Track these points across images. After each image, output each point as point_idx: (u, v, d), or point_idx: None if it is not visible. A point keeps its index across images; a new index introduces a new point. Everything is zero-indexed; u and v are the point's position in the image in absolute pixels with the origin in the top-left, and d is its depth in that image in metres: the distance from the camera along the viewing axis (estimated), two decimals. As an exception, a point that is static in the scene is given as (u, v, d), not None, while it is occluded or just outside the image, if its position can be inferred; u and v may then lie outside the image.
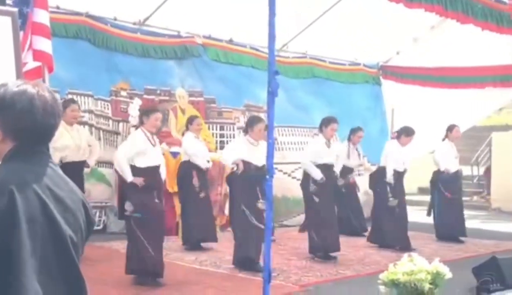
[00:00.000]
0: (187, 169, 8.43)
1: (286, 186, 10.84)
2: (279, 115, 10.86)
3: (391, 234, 8.79)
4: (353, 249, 8.76)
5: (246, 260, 7.08)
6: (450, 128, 9.89)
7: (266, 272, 4.93)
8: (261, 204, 7.03)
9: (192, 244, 8.39)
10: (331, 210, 8.10)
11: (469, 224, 10.59)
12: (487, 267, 6.21)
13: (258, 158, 7.12)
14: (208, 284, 6.40)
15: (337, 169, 8.86)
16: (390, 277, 4.70)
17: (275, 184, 8.21)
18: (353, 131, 10.31)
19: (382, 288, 4.75)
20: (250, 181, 7.15)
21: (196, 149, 8.49)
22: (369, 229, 9.69)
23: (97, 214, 9.25)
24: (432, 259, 4.73)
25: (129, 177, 6.41)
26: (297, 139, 11.65)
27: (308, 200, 8.08)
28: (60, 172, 1.99)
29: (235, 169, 7.47)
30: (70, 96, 8.84)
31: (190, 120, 8.76)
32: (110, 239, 8.38)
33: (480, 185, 17.49)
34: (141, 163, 6.46)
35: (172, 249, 8.23)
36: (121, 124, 9.50)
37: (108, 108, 9.39)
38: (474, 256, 8.23)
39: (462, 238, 9.65)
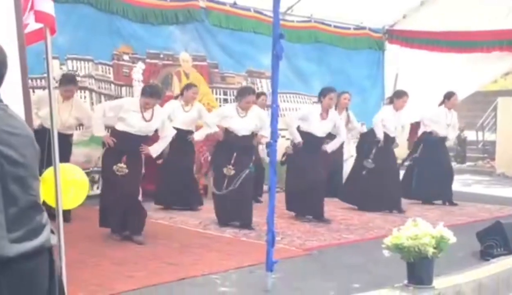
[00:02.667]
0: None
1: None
2: (281, 81, 10.90)
3: (362, 195, 8.96)
4: (356, 214, 8.77)
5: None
6: (448, 96, 9.84)
7: (269, 235, 4.95)
8: (226, 170, 7.38)
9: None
10: (305, 175, 8.10)
11: (473, 189, 10.64)
12: (491, 232, 6.23)
13: (242, 128, 7.57)
14: (212, 248, 6.42)
15: (343, 138, 8.77)
16: (394, 242, 4.71)
17: (278, 149, 8.29)
18: (338, 95, 10.20)
19: (386, 252, 4.77)
20: (226, 148, 7.58)
21: (176, 113, 8.51)
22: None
23: (98, 178, 9.26)
24: (435, 224, 4.74)
25: (98, 132, 6.88)
26: (298, 106, 11.59)
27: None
28: (11, 111, 1.99)
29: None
30: (69, 61, 8.77)
31: (187, 87, 8.77)
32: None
33: (485, 150, 17.47)
34: (120, 127, 6.71)
35: (175, 213, 8.32)
36: (124, 88, 9.45)
37: (110, 73, 9.32)
38: (478, 220, 8.24)
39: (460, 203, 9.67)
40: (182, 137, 8.48)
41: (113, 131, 6.85)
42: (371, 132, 9.30)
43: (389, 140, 9.13)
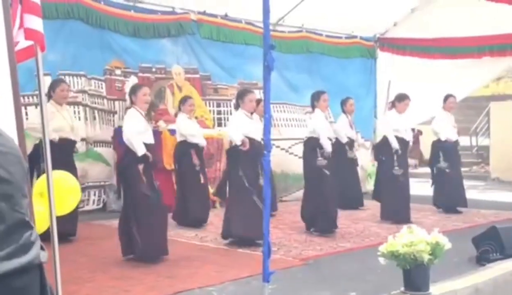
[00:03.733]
0: (185, 149, 8.40)
1: (284, 162, 10.88)
2: (273, 92, 10.93)
3: (392, 206, 8.74)
4: (352, 222, 8.78)
5: (243, 238, 7.03)
6: (445, 99, 9.89)
7: (265, 246, 4.94)
8: (262, 181, 7.02)
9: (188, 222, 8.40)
10: (333, 185, 7.99)
11: (468, 194, 10.60)
12: (487, 237, 6.23)
13: (256, 132, 7.08)
14: (208, 260, 6.42)
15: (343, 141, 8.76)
16: (389, 249, 4.72)
17: (273, 160, 8.24)
18: (344, 101, 10.27)
19: (382, 260, 4.78)
20: (254, 158, 7.00)
21: (192, 128, 8.47)
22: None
23: (96, 193, 9.27)
24: (431, 230, 4.75)
25: (141, 150, 6.29)
26: (291, 116, 11.65)
27: (316, 174, 7.96)
28: None
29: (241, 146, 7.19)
30: (61, 77, 8.76)
31: (183, 100, 8.74)
32: (110, 218, 8.39)
33: (479, 155, 17.52)
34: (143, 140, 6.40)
35: (171, 225, 8.30)
36: (117, 103, 9.47)
37: (102, 88, 9.34)
38: (474, 226, 8.26)
39: (460, 209, 9.66)
40: (200, 150, 8.53)
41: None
42: (384, 142, 9.12)
43: (405, 145, 9.06)
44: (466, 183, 11.20)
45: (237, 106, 7.40)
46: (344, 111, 10.25)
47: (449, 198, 9.70)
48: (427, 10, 11.80)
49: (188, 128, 8.43)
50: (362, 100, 12.50)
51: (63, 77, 8.78)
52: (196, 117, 9.37)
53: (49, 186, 3.75)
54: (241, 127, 7.15)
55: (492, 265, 5.79)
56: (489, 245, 6.12)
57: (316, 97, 8.16)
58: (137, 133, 6.35)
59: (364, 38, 12.96)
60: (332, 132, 8.36)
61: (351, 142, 10.05)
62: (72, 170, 6.52)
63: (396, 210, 8.67)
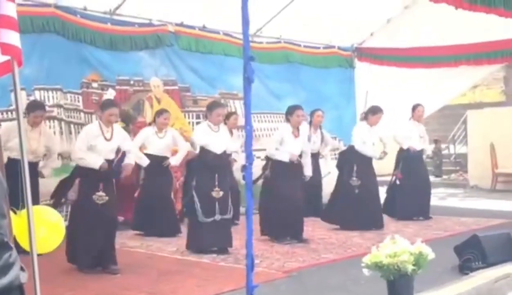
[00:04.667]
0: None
1: (264, 173, 10.82)
2: (254, 102, 10.91)
3: (346, 214, 8.86)
4: (333, 233, 8.76)
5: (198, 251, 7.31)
6: (413, 108, 9.94)
7: (249, 259, 4.88)
8: (216, 192, 7.07)
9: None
10: (288, 195, 8.00)
11: (448, 202, 10.70)
12: (469, 245, 6.23)
13: (217, 145, 7.35)
14: (190, 274, 6.34)
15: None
16: (373, 260, 4.69)
17: (254, 171, 8.23)
18: (312, 113, 10.29)
19: (365, 271, 4.75)
20: (210, 170, 7.29)
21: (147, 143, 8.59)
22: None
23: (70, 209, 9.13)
24: (413, 240, 4.74)
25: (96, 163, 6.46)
26: (272, 125, 11.62)
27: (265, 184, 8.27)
28: None
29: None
30: (36, 92, 8.66)
31: (158, 113, 8.77)
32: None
33: (457, 163, 17.64)
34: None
35: (152, 240, 8.24)
36: (93, 116, 9.35)
37: (79, 101, 9.21)
38: (455, 234, 8.28)
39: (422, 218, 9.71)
40: (158, 164, 8.47)
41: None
42: (350, 150, 9.26)
43: (369, 158, 9.14)
44: (445, 190, 11.32)
45: (206, 117, 7.62)
46: (310, 122, 10.20)
47: (409, 208, 9.69)
48: (403, 20, 11.91)
49: (142, 139, 8.55)
50: (343, 109, 12.53)
51: (38, 91, 8.68)
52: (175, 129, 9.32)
53: (28, 202, 3.67)
54: (199, 137, 7.46)
55: (475, 274, 5.79)
56: (471, 253, 6.12)
57: (290, 111, 8.20)
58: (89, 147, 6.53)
59: (341, 48, 13.02)
60: (299, 148, 8.29)
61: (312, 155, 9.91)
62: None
63: (350, 219, 8.81)
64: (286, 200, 7.93)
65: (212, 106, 7.59)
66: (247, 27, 4.77)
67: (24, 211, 3.73)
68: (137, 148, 8.26)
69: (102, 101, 7.01)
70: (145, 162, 8.28)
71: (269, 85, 11.67)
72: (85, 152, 6.52)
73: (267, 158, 8.42)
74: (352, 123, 12.31)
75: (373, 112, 9.09)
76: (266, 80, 11.53)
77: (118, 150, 6.96)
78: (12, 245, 1.93)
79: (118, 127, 6.90)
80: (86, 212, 6.46)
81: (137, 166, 8.42)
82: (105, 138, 6.54)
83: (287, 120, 8.23)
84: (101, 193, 6.43)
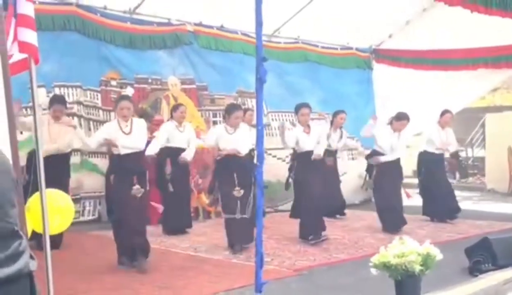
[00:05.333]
0: (163, 157, 8.59)
1: (280, 171, 10.86)
2: (273, 100, 11.12)
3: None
4: (347, 233, 8.80)
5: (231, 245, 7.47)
6: (442, 114, 9.93)
7: (258, 256, 4.96)
8: (237, 192, 7.18)
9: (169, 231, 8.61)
10: (315, 194, 8.05)
11: (464, 205, 10.65)
12: (479, 248, 6.26)
13: (231, 146, 7.53)
14: (202, 270, 6.44)
15: (320, 151, 8.52)
16: (381, 260, 4.75)
17: (269, 169, 8.36)
18: (335, 114, 10.38)
19: (373, 270, 4.81)
20: (229, 169, 7.46)
21: (171, 135, 8.60)
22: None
23: (92, 204, 9.28)
24: (424, 241, 4.78)
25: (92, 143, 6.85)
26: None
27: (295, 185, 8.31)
28: None
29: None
30: (56, 88, 8.83)
31: (175, 108, 8.88)
32: (105, 228, 8.39)
33: (475, 166, 17.56)
34: (121, 150, 6.61)
35: (166, 236, 8.35)
36: (112, 114, 9.49)
37: (97, 98, 9.38)
38: (468, 237, 8.27)
39: (454, 217, 9.72)
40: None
41: (116, 157, 6.72)
42: (374, 154, 9.31)
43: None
44: (461, 194, 11.26)
45: (224, 119, 7.83)
46: (331, 122, 10.28)
47: (437, 208, 9.76)
48: (422, 22, 11.90)
49: (166, 133, 8.57)
50: (361, 109, 12.54)
51: (58, 88, 8.84)
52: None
53: (42, 196, 3.78)
54: (212, 138, 7.71)
55: (484, 276, 5.82)
56: (481, 255, 6.15)
57: (296, 110, 8.30)
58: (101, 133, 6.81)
59: (359, 49, 13.05)
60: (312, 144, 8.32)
61: (330, 152, 10.01)
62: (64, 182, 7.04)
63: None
64: (315, 199, 7.97)
65: (231, 109, 7.75)
66: (260, 29, 4.86)
67: (32, 198, 3.85)
68: (162, 143, 8.38)
69: (116, 97, 7.18)
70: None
71: (288, 82, 11.73)
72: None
73: (292, 159, 8.45)
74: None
75: (398, 118, 9.07)
76: (285, 77, 11.61)
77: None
78: (22, 234, 2.03)
79: (138, 121, 6.98)
80: (125, 206, 6.49)
81: (163, 161, 8.53)
82: (124, 133, 6.63)
83: (298, 120, 8.32)
84: (137, 186, 6.51)
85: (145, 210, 6.79)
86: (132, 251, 6.53)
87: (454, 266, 6.17)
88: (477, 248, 6.28)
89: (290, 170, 8.49)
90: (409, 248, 4.70)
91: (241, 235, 7.39)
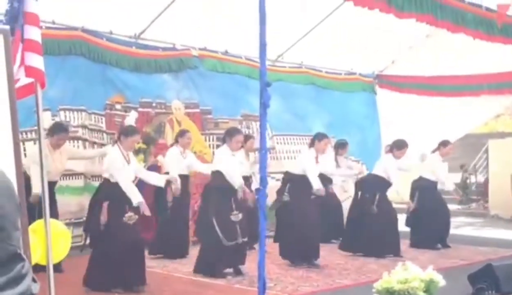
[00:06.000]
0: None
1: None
2: (278, 123, 11.17)
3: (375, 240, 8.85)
4: (350, 258, 8.78)
5: (209, 271, 7.30)
6: (445, 144, 9.89)
7: (260, 282, 4.95)
8: (234, 216, 7.15)
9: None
10: (306, 219, 8.07)
11: (467, 231, 10.64)
12: (482, 274, 6.24)
13: (236, 169, 7.47)
14: (205, 296, 6.42)
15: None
16: (384, 286, 4.73)
17: (271, 193, 8.35)
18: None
19: (376, 296, 4.78)
20: (226, 194, 7.36)
21: (178, 162, 8.58)
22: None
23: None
24: (427, 267, 4.76)
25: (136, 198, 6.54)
26: (295, 147, 11.70)
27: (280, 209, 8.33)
28: None
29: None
30: (61, 112, 8.87)
31: (181, 133, 8.89)
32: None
33: (478, 192, 17.51)
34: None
35: (168, 260, 8.33)
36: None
37: (102, 122, 9.41)
38: (471, 263, 8.23)
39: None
40: (183, 183, 8.60)
41: (109, 183, 6.67)
42: (372, 179, 9.29)
43: (387, 186, 9.19)
44: (465, 219, 11.23)
45: (223, 141, 7.66)
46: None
47: (427, 235, 9.64)
48: (425, 48, 11.96)
49: (174, 163, 8.54)
50: (367, 131, 12.56)
51: (63, 112, 8.89)
52: (195, 153, 9.47)
53: (46, 221, 3.80)
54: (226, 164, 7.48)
55: (488, 303, 5.80)
56: (485, 282, 6.12)
57: (319, 138, 8.36)
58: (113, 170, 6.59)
59: (363, 75, 13.12)
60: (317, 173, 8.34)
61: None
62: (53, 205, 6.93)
63: (368, 246, 8.84)
64: (305, 224, 7.98)
65: (232, 132, 7.68)
66: (264, 53, 4.90)
67: (34, 225, 3.86)
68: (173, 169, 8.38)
69: (125, 127, 7.14)
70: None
71: (293, 105, 11.75)
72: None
73: (284, 181, 8.46)
74: (375, 146, 12.33)
75: (398, 147, 9.10)
76: (290, 100, 11.62)
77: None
78: (25, 257, 2.04)
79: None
80: (117, 233, 6.42)
81: (164, 188, 8.55)
82: (127, 162, 6.68)
83: (312, 144, 8.32)
84: (130, 213, 6.50)
85: (139, 235, 6.74)
86: (127, 280, 6.50)
87: (457, 293, 6.14)
88: (480, 275, 6.26)
89: (280, 192, 8.45)
90: (412, 274, 4.69)
91: (224, 260, 7.32)
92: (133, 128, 7.01)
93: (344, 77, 12.90)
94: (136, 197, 6.48)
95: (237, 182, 7.43)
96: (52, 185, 7.42)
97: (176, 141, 8.86)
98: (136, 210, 6.55)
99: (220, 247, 7.23)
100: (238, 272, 7.36)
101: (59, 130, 7.62)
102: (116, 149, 6.73)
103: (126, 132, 6.81)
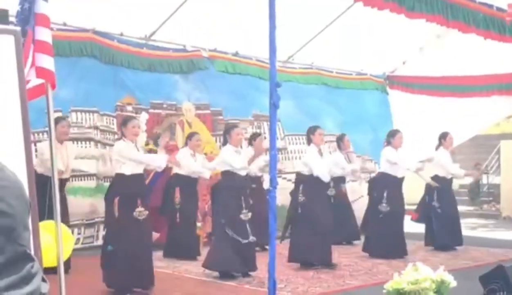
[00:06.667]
0: (173, 184, 8.70)
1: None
2: (289, 123, 11.14)
3: (384, 241, 8.79)
4: (360, 260, 8.75)
5: (223, 272, 7.32)
6: (444, 136, 9.84)
7: (271, 283, 4.96)
8: (244, 215, 7.12)
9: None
10: (321, 220, 8.02)
11: (478, 232, 10.58)
12: (494, 275, 6.19)
13: (242, 167, 7.40)
14: (215, 296, 6.43)
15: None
16: (394, 286, 4.71)
17: (283, 193, 8.34)
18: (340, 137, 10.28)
19: (387, 297, 4.77)
20: (235, 192, 7.33)
21: (191, 165, 8.61)
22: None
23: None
24: (439, 268, 4.74)
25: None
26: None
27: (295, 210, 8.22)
28: (0, 164, 2.05)
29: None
30: (73, 114, 8.93)
31: (190, 136, 8.93)
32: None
33: (490, 193, 17.42)
34: (127, 170, 6.55)
35: (179, 261, 8.35)
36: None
37: (113, 124, 9.45)
38: (482, 264, 8.20)
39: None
40: (190, 185, 8.61)
41: (121, 178, 6.61)
42: (380, 177, 9.28)
43: (399, 182, 9.14)
44: (476, 221, 11.17)
45: (224, 143, 7.64)
46: (340, 148, 10.13)
47: (443, 236, 9.60)
48: (435, 49, 11.91)
49: (188, 165, 8.56)
50: (379, 130, 12.52)
51: (75, 113, 8.94)
52: (205, 154, 9.48)
53: (57, 221, 3.82)
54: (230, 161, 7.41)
55: (499, 304, 5.76)
56: (496, 283, 6.08)
57: (312, 131, 8.25)
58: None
59: (373, 75, 13.09)
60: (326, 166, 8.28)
61: (337, 179, 9.92)
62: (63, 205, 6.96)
63: (385, 246, 8.75)
64: (320, 226, 7.96)
65: (230, 129, 7.70)
66: (274, 54, 4.91)
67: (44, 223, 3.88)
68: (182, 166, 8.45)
69: (122, 119, 7.17)
70: None
71: (304, 105, 11.74)
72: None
73: (297, 183, 8.42)
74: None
75: (393, 135, 9.13)
76: (302, 99, 11.62)
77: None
78: (34, 257, 2.05)
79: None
80: (128, 229, 6.40)
81: (173, 189, 8.58)
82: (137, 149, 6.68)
83: (309, 140, 8.28)
84: (140, 208, 6.46)
85: (149, 234, 6.74)
86: (138, 279, 6.48)
87: (468, 294, 6.11)
88: (492, 276, 6.22)
89: (293, 194, 8.42)
90: (423, 274, 4.67)
91: (233, 261, 7.26)
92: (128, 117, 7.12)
93: (355, 77, 12.88)
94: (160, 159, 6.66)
95: (242, 167, 7.40)
96: (63, 182, 7.45)
97: (185, 143, 8.90)
98: (146, 205, 6.55)
99: (229, 246, 7.21)
100: (244, 275, 7.33)
101: (59, 119, 7.55)
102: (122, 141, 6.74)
103: (124, 122, 6.88)
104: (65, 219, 6.63)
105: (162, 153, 8.90)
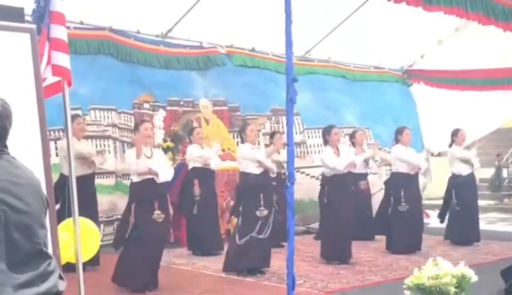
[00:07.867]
0: (191, 177, 8.66)
1: (313, 190, 10.80)
2: (309, 117, 11.08)
3: (403, 239, 8.74)
4: (380, 255, 8.70)
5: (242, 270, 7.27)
6: (455, 133, 9.72)
7: (289, 278, 4.93)
8: (259, 212, 7.13)
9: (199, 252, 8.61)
10: (345, 217, 8.01)
11: (499, 226, 10.48)
12: (516, 270, 6.13)
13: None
14: (234, 293, 6.42)
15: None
16: (415, 282, 4.67)
17: (302, 188, 8.27)
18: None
19: (407, 293, 4.73)
20: (253, 190, 7.31)
21: (202, 152, 8.62)
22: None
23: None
24: (459, 263, 4.69)
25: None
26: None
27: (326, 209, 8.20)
28: (18, 162, 2.05)
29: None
30: (92, 112, 8.97)
31: (191, 131, 8.97)
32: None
33: (510, 187, 17.25)
34: (135, 178, 6.56)
35: (198, 258, 8.36)
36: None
37: (131, 121, 9.46)
38: (504, 258, 8.11)
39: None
40: (207, 176, 8.67)
41: (135, 184, 6.61)
42: (394, 177, 9.21)
43: (414, 180, 9.07)
44: (497, 215, 11.04)
45: (242, 141, 7.67)
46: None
47: (462, 232, 9.52)
48: (454, 42, 11.82)
49: (197, 153, 8.60)
50: (403, 123, 12.36)
51: (93, 111, 8.98)
52: (223, 150, 9.48)
53: (75, 218, 3.82)
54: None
55: (521, 299, 5.70)
56: (518, 278, 6.02)
57: (328, 131, 8.23)
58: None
59: (392, 69, 12.99)
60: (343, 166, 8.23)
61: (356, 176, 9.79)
62: (93, 203, 7.13)
63: (407, 242, 8.73)
64: (344, 223, 7.94)
65: (244, 127, 7.80)
66: (290, 49, 4.87)
67: (64, 223, 3.88)
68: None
69: (134, 124, 7.20)
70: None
71: (324, 98, 11.67)
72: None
73: (323, 184, 8.37)
74: (415, 137, 12.11)
75: (400, 132, 9.05)
76: (321, 93, 11.56)
77: None
78: (51, 254, 2.05)
79: (158, 152, 7.00)
80: (146, 233, 6.39)
81: (191, 182, 8.56)
82: (146, 157, 6.59)
83: (325, 141, 8.25)
84: (158, 211, 6.46)
85: (166, 236, 6.72)
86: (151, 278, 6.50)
87: (490, 288, 6.05)
88: (513, 270, 6.15)
89: (320, 196, 8.41)
90: (443, 270, 4.62)
91: (248, 258, 7.22)
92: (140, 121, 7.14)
93: (373, 71, 12.80)
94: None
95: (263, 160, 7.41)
96: (90, 178, 7.46)
97: (189, 141, 8.92)
98: (163, 207, 6.54)
99: (237, 245, 7.21)
100: (257, 271, 7.29)
101: (74, 117, 7.54)
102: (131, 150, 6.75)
103: (136, 126, 6.89)
104: (94, 215, 6.69)
105: (196, 146, 8.81)
